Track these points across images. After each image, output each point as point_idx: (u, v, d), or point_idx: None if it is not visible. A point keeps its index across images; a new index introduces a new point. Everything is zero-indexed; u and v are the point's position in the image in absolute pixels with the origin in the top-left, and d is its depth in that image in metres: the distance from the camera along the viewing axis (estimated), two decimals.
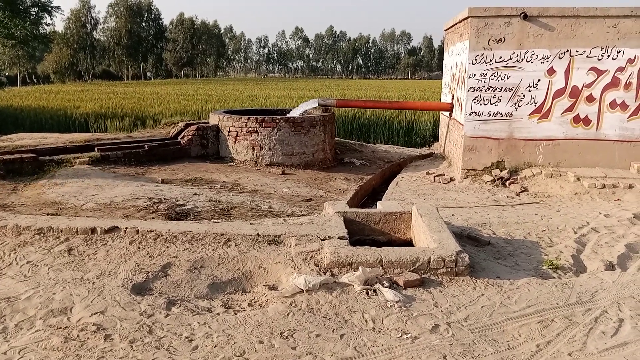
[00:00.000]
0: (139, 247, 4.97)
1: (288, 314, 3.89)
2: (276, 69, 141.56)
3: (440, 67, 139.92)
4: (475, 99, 9.56)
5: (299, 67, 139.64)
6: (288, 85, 45.18)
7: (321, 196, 8.93)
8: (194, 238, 5.10)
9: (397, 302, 4.08)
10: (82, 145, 10.05)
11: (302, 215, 7.46)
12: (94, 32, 75.27)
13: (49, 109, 18.56)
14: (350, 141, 14.40)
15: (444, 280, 4.58)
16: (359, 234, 6.13)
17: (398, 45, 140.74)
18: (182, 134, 10.85)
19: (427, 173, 10.71)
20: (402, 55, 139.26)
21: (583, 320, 3.99)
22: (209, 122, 11.54)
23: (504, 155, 9.67)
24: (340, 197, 9.04)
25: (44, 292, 4.16)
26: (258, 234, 5.14)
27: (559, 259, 5.68)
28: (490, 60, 9.42)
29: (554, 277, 5.11)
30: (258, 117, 10.76)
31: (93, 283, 4.33)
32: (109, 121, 16.16)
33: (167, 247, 4.99)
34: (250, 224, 5.65)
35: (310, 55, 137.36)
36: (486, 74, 9.47)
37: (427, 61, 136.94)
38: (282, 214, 7.42)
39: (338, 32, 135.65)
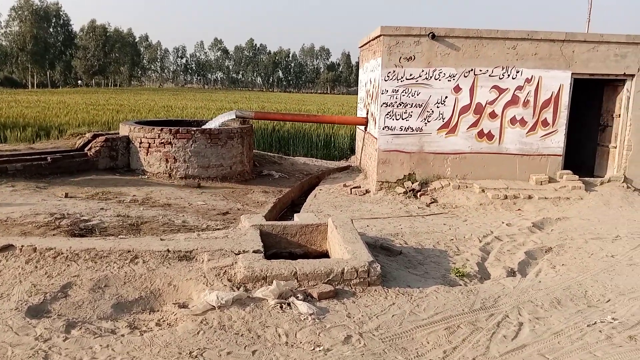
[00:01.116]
0: (36, 267, 4.62)
1: (198, 332, 3.76)
2: (194, 79, 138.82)
3: (357, 82, 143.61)
4: (388, 114, 9.88)
5: (219, 79, 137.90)
6: (207, 97, 44.39)
7: (238, 209, 8.80)
8: (98, 255, 4.82)
9: (310, 314, 4.07)
10: None
11: (218, 229, 7.30)
12: None
13: None
14: (269, 154, 14.36)
15: (357, 291, 4.64)
16: (276, 247, 6.09)
17: (317, 60, 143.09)
18: (90, 145, 10.30)
19: (344, 185, 10.89)
20: (322, 70, 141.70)
21: (486, 325, 4.19)
22: (119, 133, 11.05)
23: (415, 168, 10.05)
24: (259, 210, 8.95)
25: None
26: (168, 250, 4.95)
27: (465, 267, 5.96)
28: (402, 77, 9.79)
29: (461, 285, 5.34)
30: (172, 128, 10.45)
31: None
32: (9, 131, 14.97)
33: (68, 265, 4.67)
34: (161, 239, 5.44)
35: (230, 67, 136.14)
36: (398, 90, 9.83)
37: (346, 76, 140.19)
38: (197, 229, 7.22)
39: (258, 45, 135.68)
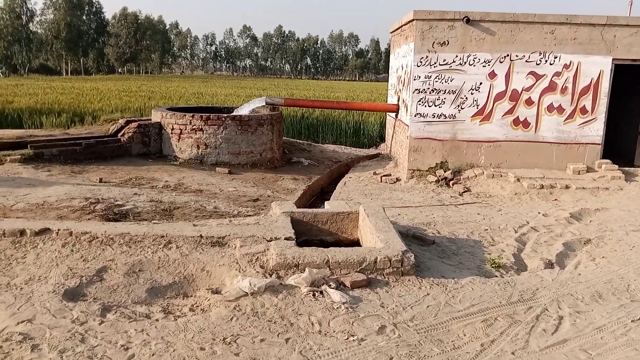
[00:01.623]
0: (72, 250, 4.68)
1: (231, 319, 3.75)
2: (224, 67, 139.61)
3: (387, 69, 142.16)
4: (420, 100, 9.70)
5: (247, 66, 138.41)
6: (236, 84, 44.56)
7: (269, 196, 8.80)
8: (132, 240, 4.86)
9: (343, 303, 4.02)
10: (14, 142, 9.45)
11: (249, 215, 7.31)
12: (30, 24, 71.55)
13: None
14: (298, 141, 14.32)
15: (391, 280, 4.57)
16: (307, 234, 6.05)
17: (346, 47, 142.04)
18: (123, 131, 10.43)
19: (374, 173, 10.78)
20: (350, 57, 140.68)
21: (525, 318, 4.07)
22: (151, 120, 11.15)
23: (447, 156, 9.86)
24: (288, 197, 8.93)
25: None
26: (201, 236, 4.96)
27: (501, 258, 5.82)
28: (435, 63, 9.58)
29: (497, 276, 5.21)
30: (203, 114, 10.49)
31: (21, 289, 4.03)
32: (45, 117, 15.30)
33: (103, 249, 4.73)
34: (193, 225, 5.46)
35: (259, 54, 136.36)
36: (430, 76, 9.62)
37: (374, 63, 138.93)
38: (228, 215, 7.24)
39: (287, 32, 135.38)
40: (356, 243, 6.14)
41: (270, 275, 4.43)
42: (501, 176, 9.46)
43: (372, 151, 14.59)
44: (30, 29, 70.89)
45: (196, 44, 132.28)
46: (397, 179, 10.14)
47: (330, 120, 16.85)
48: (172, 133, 10.51)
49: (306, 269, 4.34)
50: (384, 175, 10.35)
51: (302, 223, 6.03)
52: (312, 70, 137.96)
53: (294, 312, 3.90)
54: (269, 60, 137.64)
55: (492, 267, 5.51)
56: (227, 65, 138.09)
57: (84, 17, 77.08)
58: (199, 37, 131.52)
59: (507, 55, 9.52)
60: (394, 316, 3.94)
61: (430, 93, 9.65)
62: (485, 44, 9.49)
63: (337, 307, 3.99)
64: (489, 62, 9.54)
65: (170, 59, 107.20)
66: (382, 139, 16.77)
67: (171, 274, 4.46)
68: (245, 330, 3.60)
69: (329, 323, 3.77)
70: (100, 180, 8.18)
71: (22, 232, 4.83)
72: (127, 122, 10.65)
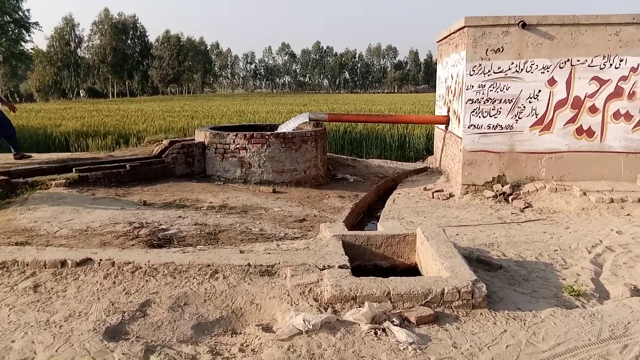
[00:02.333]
0: (114, 282, 4.40)
1: None
2: (263, 84, 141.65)
3: (426, 80, 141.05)
4: (473, 111, 9.15)
5: (286, 82, 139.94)
6: (276, 101, 44.80)
7: (315, 215, 8.42)
8: (177, 270, 4.54)
9: (410, 344, 3.55)
10: (60, 165, 9.44)
11: (296, 238, 6.94)
12: (78, 50, 74.56)
13: (28, 128, 17.88)
14: (342, 156, 13.93)
15: (460, 315, 4.06)
16: (359, 258, 5.62)
17: (384, 60, 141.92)
18: (167, 152, 10.29)
19: (425, 189, 10.24)
20: (389, 69, 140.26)
21: (622, 359, 3.49)
22: (194, 140, 11.00)
23: (505, 170, 9.24)
24: (335, 217, 8.53)
25: (1, 339, 3.57)
26: (249, 264, 4.60)
27: (579, 284, 5.20)
28: (489, 71, 9.03)
29: (578, 306, 4.62)
30: (246, 133, 10.25)
31: (60, 327, 3.75)
32: (91, 139, 15.55)
33: (147, 281, 4.42)
34: (240, 251, 5.11)
35: (297, 70, 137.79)
36: (485, 85, 9.08)
37: (414, 75, 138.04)
38: (274, 237, 6.89)
39: (325, 47, 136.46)
40: (414, 268, 5.66)
41: (325, 310, 4.01)
42: (565, 190, 8.77)
43: (419, 165, 14.04)
44: (79, 54, 73.79)
45: (236, 63, 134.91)
46: (450, 195, 9.58)
47: (374, 134, 16.42)
48: (215, 153, 10.30)
49: (366, 303, 3.89)
50: (436, 191, 9.80)
51: (354, 247, 5.60)
52: (351, 84, 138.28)
53: (356, 355, 3.46)
54: (308, 76, 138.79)
55: (571, 295, 4.91)
56: (267, 82, 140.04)
57: (129, 41, 79.82)
58: (239, 56, 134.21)
59: (568, 60, 8.88)
60: (470, 359, 3.44)
61: (484, 103, 9.09)
62: (543, 49, 8.88)
63: (403, 349, 3.52)
64: (547, 68, 8.92)
65: (212, 79, 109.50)
66: (429, 152, 16.20)
67: (218, 308, 4.10)
68: None
69: None
70: (144, 203, 8.00)
71: (64, 263, 4.59)
72: (171, 143, 10.53)
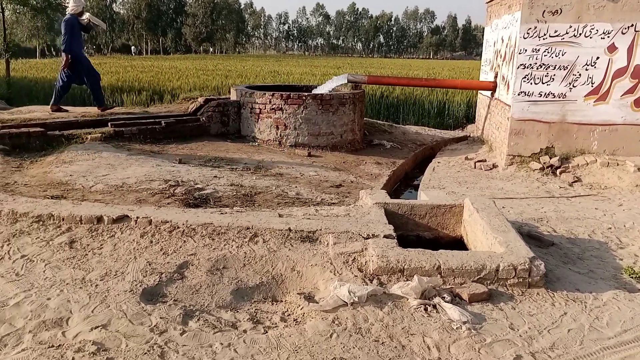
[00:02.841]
0: (151, 241, 4.25)
1: (331, 335, 3.14)
2: (296, 46, 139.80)
3: (463, 47, 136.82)
4: (525, 77, 8.61)
5: (319, 45, 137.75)
6: (309, 62, 44.09)
7: (352, 182, 8.15)
8: (216, 232, 4.37)
9: (464, 322, 3.31)
10: (95, 119, 9.36)
11: (334, 203, 6.71)
12: (114, 5, 74.50)
13: None
14: (378, 121, 13.52)
15: (515, 294, 3.79)
16: (402, 228, 5.35)
17: (421, 24, 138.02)
18: (202, 110, 10.10)
19: (466, 158, 9.83)
20: (425, 34, 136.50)
21: None
22: (229, 98, 10.76)
23: (554, 141, 8.74)
24: (372, 183, 8.25)
25: (37, 296, 3.47)
26: (290, 229, 4.39)
27: (639, 266, 4.85)
28: (544, 35, 8.44)
29: None
30: (283, 93, 9.94)
31: (96, 286, 3.63)
32: (125, 95, 15.47)
33: (184, 242, 4.26)
34: (279, 215, 4.90)
35: (331, 32, 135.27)
36: (539, 50, 8.50)
37: (451, 41, 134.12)
38: (311, 202, 6.67)
39: (360, 10, 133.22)
40: (459, 241, 5.38)
41: (371, 281, 3.79)
42: (618, 165, 8.26)
43: (458, 133, 13.55)
44: (114, 9, 73.75)
45: (269, 23, 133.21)
46: (494, 165, 9.16)
47: (412, 99, 15.89)
48: (251, 113, 10.06)
49: (415, 276, 3.65)
50: (478, 161, 9.39)
51: (397, 216, 5.33)
52: (384, 48, 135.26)
53: (405, 331, 3.23)
54: (341, 38, 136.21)
55: (632, 277, 4.56)
56: (299, 44, 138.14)
57: None
58: (272, 16, 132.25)
59: (632, 25, 8.20)
60: (529, 343, 3.18)
61: (537, 69, 8.54)
62: (605, 13, 8.23)
63: (456, 327, 3.28)
64: (608, 33, 8.27)
65: (245, 39, 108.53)
66: (469, 119, 15.65)
67: (258, 273, 3.92)
68: (348, 352, 2.99)
69: (449, 348, 3.08)
70: (180, 161, 7.85)
71: (100, 219, 4.46)
72: (206, 101, 10.32)
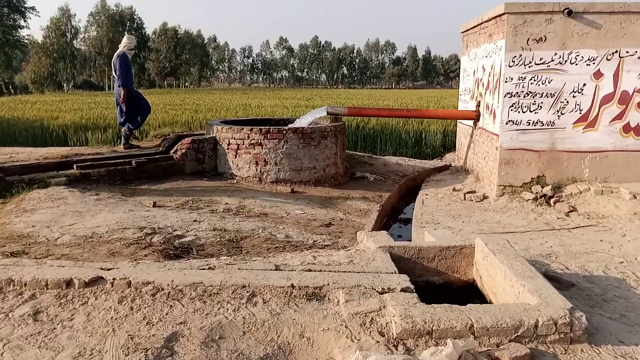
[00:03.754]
0: (132, 308, 3.63)
1: None
2: (261, 78, 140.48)
3: (424, 77, 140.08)
4: (512, 105, 8.40)
5: (284, 77, 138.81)
6: (277, 95, 43.92)
7: (341, 219, 7.67)
8: (207, 293, 3.78)
9: None
10: (59, 161, 8.64)
11: (327, 245, 6.20)
12: (75, 41, 73.32)
13: (23, 121, 17.00)
14: (358, 153, 13.15)
15: (558, 352, 3.32)
16: (409, 273, 4.81)
17: (382, 55, 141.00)
18: (175, 147, 9.50)
19: (454, 189, 9.49)
20: (387, 65, 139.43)
21: None
22: (203, 134, 10.21)
23: (545, 170, 8.51)
24: (363, 220, 7.79)
25: None
26: (292, 285, 3.83)
27: None
28: (530, 62, 8.28)
29: None
30: (262, 127, 9.46)
31: None
32: (90, 133, 14.71)
33: (171, 307, 3.65)
34: (275, 266, 4.34)
35: (295, 65, 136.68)
36: (525, 78, 8.32)
37: (412, 71, 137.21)
38: (303, 245, 6.13)
39: (323, 42, 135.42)
40: (471, 285, 4.93)
41: (396, 347, 3.26)
42: (612, 192, 8.04)
43: (438, 163, 13.29)
44: (75, 46, 72.54)
45: (234, 57, 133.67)
46: (484, 196, 8.83)
47: (389, 129, 15.65)
48: (228, 148, 9.52)
49: (449, 341, 3.13)
50: (468, 192, 9.06)
51: (402, 260, 4.85)
52: (348, 79, 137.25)
53: None
54: (305, 70, 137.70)
55: None
56: (264, 77, 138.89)
57: (126, 33, 78.42)
58: (237, 50, 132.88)
59: (616, 51, 8.13)
60: None
61: (524, 97, 8.34)
62: (589, 40, 8.13)
63: None
64: (594, 60, 8.17)
65: (209, 72, 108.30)
66: (446, 148, 15.48)
67: (261, 343, 3.34)
68: None
69: None
70: (154, 205, 7.22)
71: (69, 283, 3.81)
72: (179, 137, 9.74)
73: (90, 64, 75.49)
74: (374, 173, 11.27)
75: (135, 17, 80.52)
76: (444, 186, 10.03)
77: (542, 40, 8.21)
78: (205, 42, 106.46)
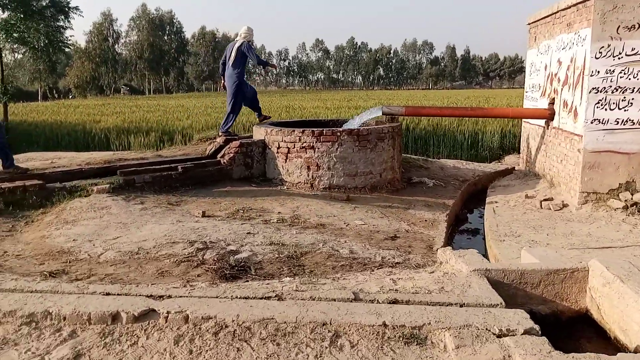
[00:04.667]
0: (191, 351, 2.96)
1: None
2: (296, 81, 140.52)
3: (463, 76, 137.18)
4: (598, 102, 7.44)
5: (319, 79, 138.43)
6: (315, 97, 43.33)
7: (407, 231, 6.89)
8: (280, 332, 3.08)
9: None
10: (102, 167, 8.18)
11: (398, 263, 5.43)
12: (116, 45, 74.72)
13: (66, 124, 16.86)
14: (412, 156, 12.33)
15: None
16: (509, 301, 4.04)
17: (420, 55, 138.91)
18: (222, 151, 8.92)
19: (527, 196, 8.57)
20: (424, 65, 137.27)
21: None
22: (252, 137, 9.60)
23: (635, 174, 7.51)
24: (431, 232, 6.98)
25: None
26: (384, 324, 3.10)
27: None
28: (620, 54, 7.30)
29: None
30: (314, 129, 8.77)
31: None
32: (133, 137, 14.37)
33: (239, 350, 2.96)
34: (354, 295, 3.61)
35: (331, 67, 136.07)
36: (613, 71, 7.35)
37: (450, 71, 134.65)
38: (371, 262, 5.39)
39: (359, 43, 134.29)
40: (583, 316, 4.09)
41: None
42: None
43: (499, 166, 12.34)
44: (116, 50, 73.93)
45: (270, 59, 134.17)
46: (564, 204, 7.89)
47: (442, 131, 14.73)
48: (278, 152, 8.87)
49: None
50: (544, 200, 8.13)
51: (501, 285, 4.06)
52: (384, 80, 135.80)
53: None
54: (341, 72, 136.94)
55: None
56: (300, 79, 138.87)
57: (166, 37, 79.60)
58: (273, 52, 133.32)
59: None
60: None
61: (612, 92, 7.38)
62: None
63: None
64: None
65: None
66: (504, 150, 14.48)
67: None
68: None
69: None
70: (204, 214, 6.61)
71: (115, 317, 3.18)
72: (227, 141, 9.14)
73: (131, 68, 76.80)
74: (431, 178, 10.44)
75: (174, 20, 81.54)
76: (513, 192, 9.11)
77: (634, 28, 7.22)
78: None
